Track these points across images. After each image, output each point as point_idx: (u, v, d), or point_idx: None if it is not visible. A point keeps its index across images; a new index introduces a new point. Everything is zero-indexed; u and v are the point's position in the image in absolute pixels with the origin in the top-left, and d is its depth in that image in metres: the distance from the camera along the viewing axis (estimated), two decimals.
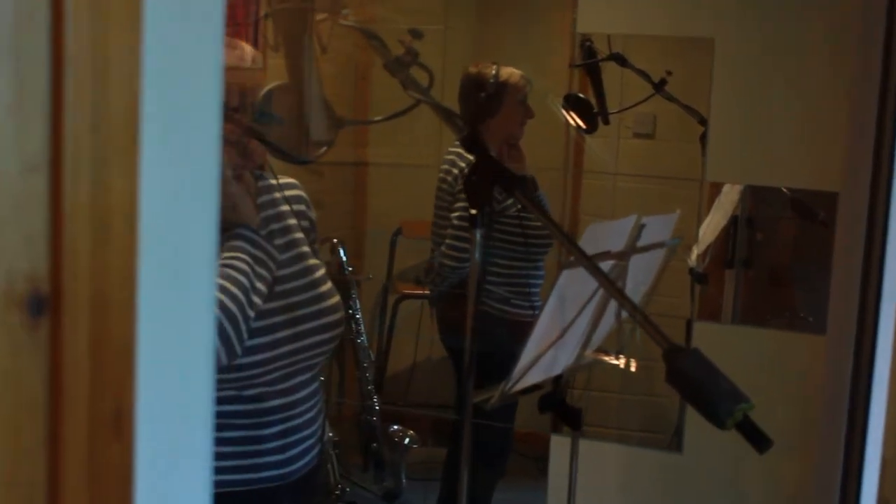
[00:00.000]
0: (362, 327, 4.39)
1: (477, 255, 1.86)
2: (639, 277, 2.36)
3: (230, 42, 2.16)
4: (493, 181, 1.83)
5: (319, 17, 2.08)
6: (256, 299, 2.07)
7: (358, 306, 4.42)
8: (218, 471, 2.12)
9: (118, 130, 0.81)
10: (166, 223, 0.86)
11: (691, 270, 3.44)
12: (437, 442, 4.40)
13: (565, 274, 1.95)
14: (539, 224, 3.62)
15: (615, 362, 2.42)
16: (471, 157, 3.48)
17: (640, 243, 2.18)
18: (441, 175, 3.70)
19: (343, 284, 4.35)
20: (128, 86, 0.80)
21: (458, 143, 3.60)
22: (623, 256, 2.13)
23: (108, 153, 0.82)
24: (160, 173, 0.84)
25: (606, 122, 3.73)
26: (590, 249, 1.99)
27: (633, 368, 1.68)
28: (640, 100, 3.77)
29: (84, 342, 0.82)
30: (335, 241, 4.34)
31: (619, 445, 3.10)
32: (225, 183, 2.13)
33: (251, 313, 2.05)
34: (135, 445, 0.86)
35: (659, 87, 3.65)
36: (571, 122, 3.52)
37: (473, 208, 1.84)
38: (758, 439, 1.63)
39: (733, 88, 3.00)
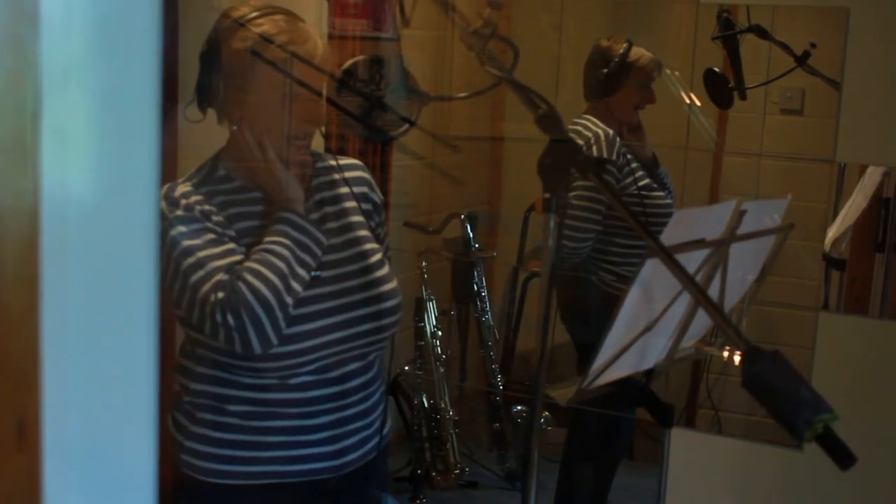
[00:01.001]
0: (488, 305, 4.32)
1: (550, 242, 1.75)
2: (745, 266, 2.20)
3: (302, 33, 2.09)
4: (567, 163, 1.71)
5: None
6: (296, 286, 2.01)
7: (484, 284, 4.35)
8: (266, 461, 2.07)
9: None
10: (74, 220, 0.78)
11: (825, 256, 3.24)
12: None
13: (650, 263, 1.82)
14: (660, 201, 3.47)
15: (720, 353, 2.27)
16: (598, 128, 3.43)
17: (741, 230, 2.02)
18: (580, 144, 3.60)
19: (467, 262, 4.28)
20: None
21: (583, 114, 3.55)
22: (720, 245, 1.98)
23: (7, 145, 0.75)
24: (65, 164, 0.77)
25: (743, 98, 3.56)
26: (676, 238, 1.86)
27: (737, 360, 1.54)
28: (782, 73, 3.57)
29: None
30: (462, 216, 4.27)
31: (734, 440, 2.93)
32: (271, 165, 2.08)
33: (289, 300, 1.99)
34: (41, 457, 0.79)
35: (802, 60, 3.44)
36: (686, 99, 3.35)
37: (547, 191, 1.73)
38: (840, 454, 1.47)
39: (869, 61, 2.79)
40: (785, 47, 3.43)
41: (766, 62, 3.73)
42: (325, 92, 2.13)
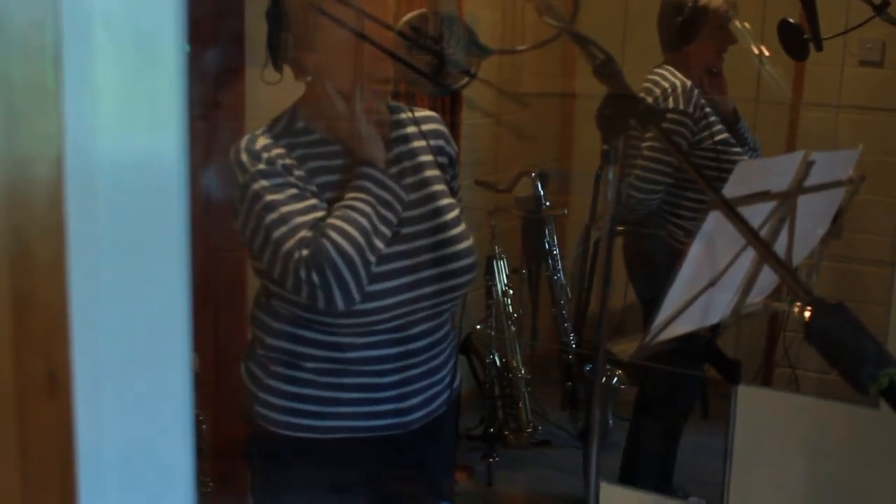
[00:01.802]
0: (559, 264, 4.29)
1: (609, 195, 1.72)
2: (815, 219, 2.15)
3: None
4: (626, 114, 1.67)
5: None
6: (379, 243, 1.99)
7: (555, 242, 4.32)
8: (337, 416, 2.08)
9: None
10: (100, 166, 0.78)
11: None
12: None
13: (713, 216, 1.78)
14: (738, 157, 3.41)
15: (789, 309, 2.22)
16: (676, 78, 3.37)
17: (809, 182, 1.97)
18: (641, 96, 3.53)
19: (538, 220, 4.25)
20: None
21: (661, 65, 3.49)
22: (786, 197, 1.93)
23: (30, 91, 0.75)
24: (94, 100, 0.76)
25: (819, 49, 3.45)
26: (739, 189, 1.82)
27: (807, 316, 1.51)
28: (859, 23, 3.47)
29: (6, 302, 0.75)
30: (533, 174, 4.24)
31: (806, 398, 2.88)
32: (352, 119, 2.06)
33: (372, 258, 1.98)
34: (73, 405, 0.79)
35: (881, 9, 3.34)
36: (755, 50, 3.27)
37: (606, 143, 1.70)
38: None
39: None
40: None
41: (844, 12, 3.63)
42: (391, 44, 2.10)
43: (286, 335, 2.08)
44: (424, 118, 2.20)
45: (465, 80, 2.03)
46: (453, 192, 2.21)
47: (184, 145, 0.83)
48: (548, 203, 4.29)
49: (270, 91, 2.15)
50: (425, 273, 2.07)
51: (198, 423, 3.07)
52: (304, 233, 1.95)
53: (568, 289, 4.32)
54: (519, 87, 4.46)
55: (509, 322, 4.23)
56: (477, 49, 2.10)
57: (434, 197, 2.13)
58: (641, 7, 4.13)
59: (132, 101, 0.80)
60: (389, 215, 2.01)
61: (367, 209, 1.98)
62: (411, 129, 2.17)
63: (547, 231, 4.31)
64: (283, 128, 2.08)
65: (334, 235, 1.94)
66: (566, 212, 4.51)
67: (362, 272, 1.95)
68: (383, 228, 2.00)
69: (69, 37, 0.74)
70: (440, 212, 2.13)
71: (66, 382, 0.79)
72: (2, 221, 0.74)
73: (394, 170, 2.10)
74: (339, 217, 1.97)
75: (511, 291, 4.28)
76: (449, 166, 2.21)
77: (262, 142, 2.04)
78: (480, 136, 4.60)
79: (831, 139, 4.22)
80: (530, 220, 4.31)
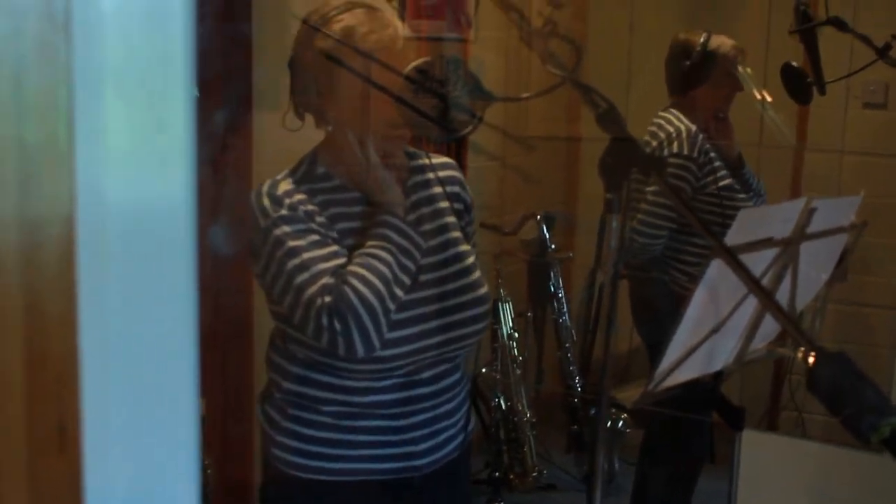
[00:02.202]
0: (565, 307, 4.30)
1: (613, 243, 1.74)
2: (818, 265, 2.17)
3: (382, 20, 2.10)
4: (629, 163, 1.70)
5: None
6: (398, 292, 2.02)
7: (560, 285, 4.33)
8: (354, 459, 2.10)
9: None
10: (111, 225, 0.80)
11: None
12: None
13: (716, 263, 1.80)
14: (742, 204, 3.43)
15: (793, 354, 2.23)
16: (681, 123, 3.40)
17: (811, 229, 1.99)
18: (644, 140, 3.57)
19: (543, 263, 4.27)
20: None
21: (668, 108, 3.52)
22: (789, 243, 1.95)
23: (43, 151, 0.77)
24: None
25: (822, 93, 3.48)
26: (742, 237, 1.84)
27: (810, 362, 1.52)
28: (862, 66, 3.50)
29: (18, 355, 0.77)
30: (538, 217, 4.26)
31: (811, 443, 2.88)
32: (372, 166, 2.09)
33: (392, 306, 2.00)
34: (82, 459, 0.81)
35: (883, 52, 3.37)
36: (757, 95, 3.30)
37: (609, 191, 1.72)
38: None
39: None
40: (865, 39, 3.35)
41: (847, 56, 3.66)
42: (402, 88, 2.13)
43: (304, 381, 2.11)
44: (442, 164, 2.24)
45: (472, 125, 2.05)
46: (468, 239, 2.24)
47: (193, 201, 0.85)
48: (553, 246, 4.31)
49: (278, 136, 2.18)
50: (441, 320, 2.10)
51: (203, 469, 3.09)
52: (325, 279, 1.98)
53: (573, 332, 4.33)
54: (524, 131, 4.50)
55: (514, 365, 4.24)
56: (481, 94, 2.13)
57: (450, 244, 2.16)
58: (646, 49, 4.17)
59: (143, 160, 0.82)
60: (409, 263, 2.04)
61: (389, 258, 2.01)
62: (429, 176, 2.21)
63: (552, 274, 4.33)
64: (304, 173, 2.12)
65: (356, 283, 1.96)
66: (571, 255, 4.54)
67: (383, 320, 1.98)
68: (403, 277, 2.02)
69: (82, 98, 0.77)
70: (456, 259, 2.16)
71: (75, 436, 0.80)
72: (16, 279, 0.76)
73: (412, 216, 2.12)
74: (360, 265, 2.00)
75: (516, 334, 4.29)
76: (465, 213, 2.25)
77: (283, 187, 2.07)
78: (486, 180, 4.63)
79: (835, 182, 4.24)
80: (536, 264, 4.33)
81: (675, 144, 3.40)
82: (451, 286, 2.13)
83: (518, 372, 4.24)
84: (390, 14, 2.13)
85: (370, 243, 2.03)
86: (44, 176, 0.76)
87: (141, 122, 0.81)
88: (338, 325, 1.95)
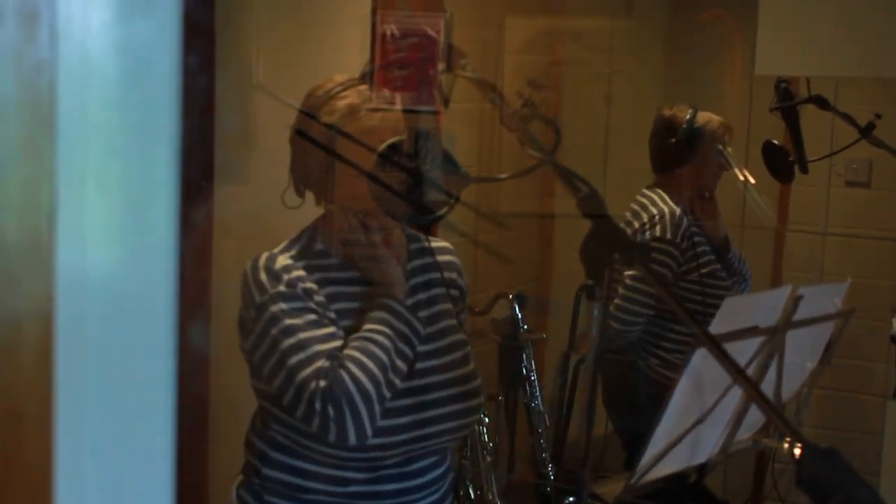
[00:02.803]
0: (537, 391, 4.30)
1: (594, 330, 1.76)
2: (804, 353, 2.20)
3: (363, 92, 2.14)
4: (611, 249, 1.73)
5: (440, 67, 2.03)
6: (395, 379, 2.04)
7: (533, 368, 4.34)
8: None
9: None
10: (91, 324, 0.81)
11: (893, 337, 3.22)
12: None
13: (699, 352, 1.83)
14: (725, 291, 3.47)
15: (779, 445, 2.25)
16: (665, 204, 3.44)
17: (797, 317, 2.02)
18: (626, 219, 3.60)
19: (515, 345, 4.28)
20: None
21: (652, 187, 3.56)
22: (774, 332, 1.98)
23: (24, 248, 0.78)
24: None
25: (804, 171, 3.55)
26: (726, 325, 1.87)
27: (797, 453, 1.55)
28: (845, 146, 3.57)
29: None
30: (510, 296, 4.27)
31: None
32: (372, 246, 2.11)
33: (388, 394, 2.02)
34: None
35: (866, 131, 3.45)
36: (740, 175, 3.36)
37: (591, 278, 1.75)
38: None
39: None
40: (848, 118, 3.43)
41: (829, 134, 3.74)
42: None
43: (284, 466, 2.11)
44: (441, 249, 2.27)
45: (448, 206, 2.08)
46: (461, 326, 2.26)
47: (175, 298, 0.86)
48: (525, 326, 4.32)
49: (243, 210, 2.21)
50: (434, 411, 2.12)
51: None
52: (321, 362, 1.99)
53: (546, 417, 4.33)
54: (496, 206, 4.54)
55: (485, 452, 4.23)
56: (455, 171, 2.16)
57: (446, 332, 2.19)
58: (624, 124, 4.23)
59: (124, 257, 0.83)
60: (407, 350, 2.05)
61: (387, 343, 2.02)
62: (428, 260, 2.23)
63: (524, 356, 4.33)
64: (302, 248, 2.14)
65: (353, 368, 1.97)
66: (545, 336, 4.55)
67: (377, 408, 1.99)
68: (400, 364, 2.04)
69: (64, 195, 0.78)
70: (451, 348, 2.18)
71: None
72: None
73: (409, 301, 2.14)
74: (358, 349, 2.01)
75: (486, 419, 4.28)
76: (460, 300, 2.28)
77: (282, 261, 2.09)
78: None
79: (818, 263, 4.30)
80: (507, 345, 4.33)
81: (658, 228, 3.43)
82: (444, 376, 2.15)
83: (488, 459, 4.22)
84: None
85: (368, 326, 2.05)
86: (23, 274, 0.78)
87: (123, 220, 0.83)
88: (331, 411, 1.96)
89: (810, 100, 3.41)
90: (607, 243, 1.73)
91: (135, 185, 0.83)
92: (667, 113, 3.59)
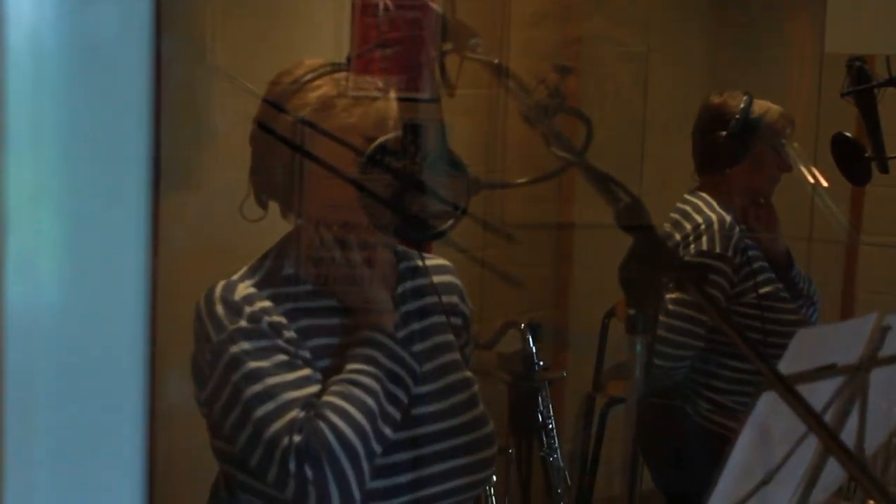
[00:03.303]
0: (556, 442, 4.30)
1: (637, 371, 1.77)
2: (891, 396, 2.21)
3: (340, 81, 2.14)
4: (658, 272, 1.73)
5: (446, 48, 2.04)
6: (387, 430, 2.02)
7: (551, 413, 4.34)
8: None
9: None
10: (42, 363, 0.82)
11: None
12: None
13: (766, 396, 1.83)
14: (789, 315, 3.46)
15: None
16: (712, 211, 3.44)
17: (884, 352, 2.03)
18: (665, 231, 3.60)
19: (529, 385, 4.28)
20: None
21: (696, 191, 3.55)
22: (857, 371, 1.99)
23: None
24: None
25: (885, 170, 3.55)
26: (800, 363, 1.87)
27: None
28: None
29: None
30: (523, 325, 4.28)
31: None
32: (351, 265, 2.10)
33: (378, 448, 2.01)
34: None
35: None
36: (810, 177, 3.37)
37: (632, 307, 1.75)
38: None
39: None
40: None
41: None
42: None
43: None
44: (437, 268, 2.27)
45: (451, 221, 2.08)
46: (465, 361, 2.25)
47: (143, 334, 0.87)
48: (541, 363, 4.32)
49: (194, 220, 2.20)
50: (438, 467, 2.11)
51: None
52: (295, 412, 1.97)
53: (567, 474, 4.33)
54: (503, 215, 4.54)
55: None
56: (457, 171, 2.16)
57: (447, 369, 2.18)
58: (663, 115, 4.24)
59: (85, 292, 0.84)
60: (399, 393, 2.04)
61: (374, 385, 2.01)
62: (422, 282, 2.22)
63: (540, 399, 4.33)
64: (266, 274, 2.11)
65: (334, 418, 1.95)
66: (565, 374, 4.56)
67: (366, 465, 1.98)
68: (392, 410, 2.02)
69: (13, 219, 0.79)
70: (457, 388, 2.17)
71: None
72: None
73: (401, 333, 2.14)
74: (339, 394, 2.00)
75: (494, 477, 4.29)
76: (463, 329, 2.26)
77: (242, 291, 2.07)
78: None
79: None
80: (519, 385, 4.33)
81: (705, 240, 3.43)
82: (448, 423, 2.14)
83: None
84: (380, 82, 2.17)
85: (351, 366, 2.04)
86: None
87: (85, 248, 0.83)
88: (309, 472, 1.93)
89: (892, 82, 3.41)
90: (654, 263, 1.74)
91: (98, 206, 0.84)
92: (715, 100, 3.59)
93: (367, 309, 2.10)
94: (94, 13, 0.81)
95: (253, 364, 2.00)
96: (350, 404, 1.99)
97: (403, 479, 2.08)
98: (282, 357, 2.02)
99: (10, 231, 0.80)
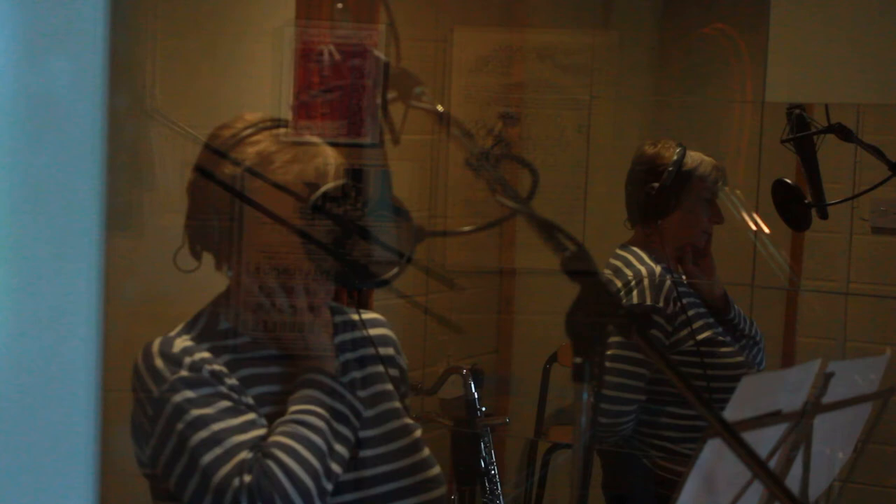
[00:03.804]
0: (498, 488, 4.30)
1: (583, 420, 1.77)
2: (836, 442, 2.23)
3: (310, 147, 2.15)
4: (604, 319, 1.74)
5: (390, 96, 2.05)
6: (336, 468, 2.03)
7: (493, 459, 4.33)
8: None
9: None
10: None
11: None
12: None
13: (711, 444, 1.84)
14: (730, 358, 3.47)
15: None
16: (642, 264, 3.45)
17: (828, 398, 2.05)
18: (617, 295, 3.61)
19: (471, 431, 4.28)
20: None
21: (627, 245, 3.56)
22: (801, 417, 2.01)
23: None
24: None
25: (824, 216, 3.58)
26: (744, 410, 1.89)
27: None
28: (874, 185, 3.60)
29: None
30: (465, 371, 4.27)
31: None
32: (297, 313, 2.11)
33: (328, 486, 2.01)
34: None
35: None
36: (752, 224, 3.39)
37: (578, 355, 1.76)
38: None
39: None
40: (876, 151, 3.45)
41: (850, 171, 3.77)
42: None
43: None
44: (372, 321, 2.31)
45: (395, 269, 2.09)
46: (406, 411, 2.27)
47: (98, 401, 0.87)
48: (483, 409, 4.32)
49: (129, 270, 2.19)
50: None
51: None
52: (243, 454, 1.98)
53: None
54: (444, 260, 4.55)
55: None
56: (400, 218, 2.17)
57: (389, 416, 2.21)
58: (605, 164, 4.26)
59: (35, 349, 0.84)
60: (346, 432, 2.05)
61: (321, 424, 2.02)
62: (359, 334, 2.25)
63: (483, 445, 4.32)
64: (203, 329, 2.12)
65: (283, 457, 1.96)
66: (508, 420, 4.55)
67: (326, 485, 2.00)
68: (340, 448, 2.03)
69: None
70: (398, 434, 2.19)
71: None
72: None
73: (343, 380, 2.17)
74: (286, 434, 2.01)
75: None
76: (400, 381, 2.28)
77: (180, 344, 2.08)
78: (395, 322, 4.64)
79: (839, 328, 4.33)
80: (461, 432, 4.33)
81: (635, 294, 3.42)
82: (394, 465, 2.15)
83: None
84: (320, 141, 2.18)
85: (296, 408, 2.05)
86: None
87: (34, 304, 0.83)
88: None
89: (830, 129, 3.44)
90: (599, 311, 1.75)
91: (49, 256, 0.84)
92: (649, 151, 3.56)
93: (309, 355, 2.10)
94: (48, 66, 0.81)
95: (196, 412, 2.01)
96: (298, 443, 2.00)
97: None
98: (225, 403, 2.03)
99: None
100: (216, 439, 1.99)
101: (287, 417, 2.04)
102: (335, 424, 2.06)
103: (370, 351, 2.26)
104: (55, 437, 0.86)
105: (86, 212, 0.85)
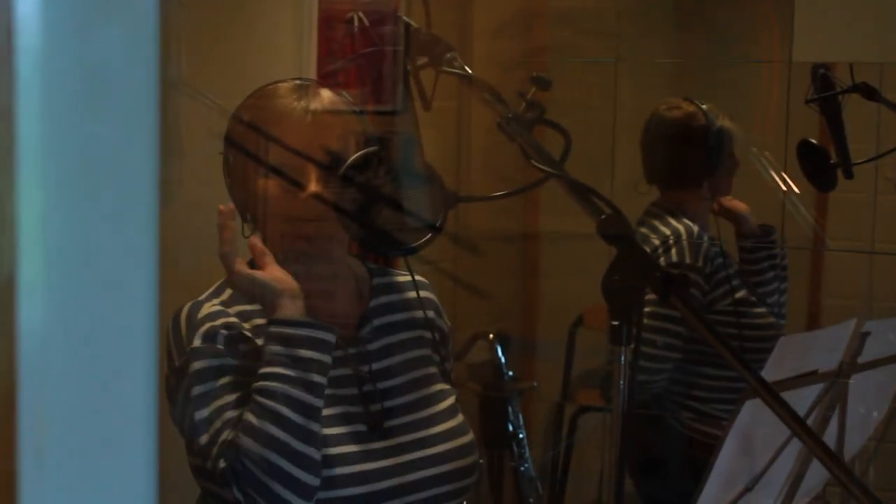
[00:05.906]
0: (526, 451, 4.31)
1: (621, 383, 1.77)
2: (870, 401, 2.23)
3: (336, 119, 2.16)
4: (641, 282, 1.74)
5: (419, 62, 2.04)
6: (311, 426, 1.97)
7: (521, 423, 4.34)
8: None
9: None
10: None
11: None
12: None
13: (749, 405, 1.84)
14: (761, 319, 3.47)
15: None
16: (679, 223, 3.44)
17: (864, 358, 2.05)
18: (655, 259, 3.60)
19: (498, 396, 4.28)
20: None
21: (659, 205, 3.55)
22: (837, 377, 2.01)
23: None
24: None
25: (849, 176, 3.56)
26: (781, 371, 1.89)
27: None
28: None
29: None
30: (491, 336, 4.28)
31: None
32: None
33: (309, 450, 1.96)
34: None
35: None
36: (782, 185, 3.38)
37: (615, 319, 1.76)
38: None
39: None
40: None
41: (874, 131, 3.76)
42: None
43: None
44: (419, 283, 2.28)
45: (428, 235, 2.08)
46: (446, 376, 2.26)
47: (155, 367, 0.87)
48: (510, 373, 4.33)
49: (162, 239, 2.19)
50: (415, 474, 2.10)
51: None
52: (225, 436, 1.97)
53: (538, 483, 4.33)
54: (467, 226, 4.54)
55: None
56: (432, 185, 2.15)
57: (425, 381, 2.20)
58: (631, 127, 4.24)
59: (95, 326, 0.84)
60: (316, 378, 1.99)
61: (278, 387, 1.96)
62: (396, 297, 2.23)
63: (510, 409, 4.34)
64: (233, 293, 2.11)
65: (245, 440, 1.93)
66: (535, 384, 4.56)
67: (299, 472, 1.94)
68: (311, 399, 1.97)
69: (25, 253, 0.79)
70: (433, 399, 2.18)
71: None
72: None
73: (374, 345, 2.17)
74: (249, 410, 1.97)
75: None
76: (441, 344, 2.28)
77: (206, 309, 2.07)
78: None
79: (864, 288, 4.32)
80: (489, 396, 4.34)
81: (674, 252, 3.43)
82: (426, 432, 2.14)
83: None
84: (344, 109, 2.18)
85: (260, 371, 1.99)
86: None
87: (94, 281, 0.83)
88: (244, 494, 1.93)
89: (855, 88, 3.41)
90: (636, 273, 1.74)
91: (108, 229, 0.83)
92: (675, 114, 3.57)
93: (265, 301, 2.05)
94: (101, 38, 0.81)
95: (199, 388, 2.00)
96: (257, 418, 1.94)
97: (378, 486, 2.07)
98: (227, 378, 2.02)
99: (22, 256, 0.80)
100: (210, 419, 1.99)
101: (254, 386, 1.99)
102: (298, 375, 1.97)
103: (406, 315, 2.25)
104: (115, 406, 0.86)
105: (141, 182, 0.85)
